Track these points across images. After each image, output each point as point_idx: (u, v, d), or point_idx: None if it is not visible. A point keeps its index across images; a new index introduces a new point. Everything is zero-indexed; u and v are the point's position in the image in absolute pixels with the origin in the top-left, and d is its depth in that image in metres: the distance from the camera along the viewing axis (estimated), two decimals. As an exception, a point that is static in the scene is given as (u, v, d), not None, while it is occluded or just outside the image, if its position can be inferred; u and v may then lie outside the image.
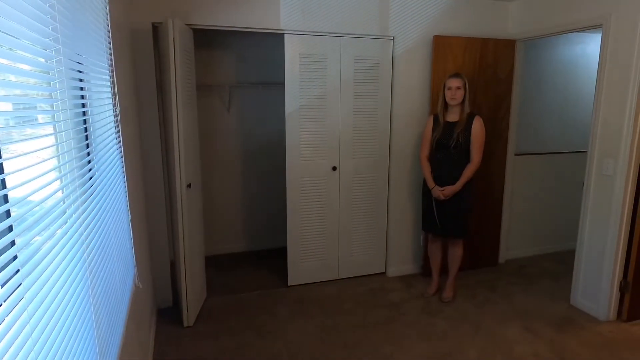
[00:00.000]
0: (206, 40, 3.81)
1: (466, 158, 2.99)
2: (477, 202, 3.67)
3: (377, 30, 3.26)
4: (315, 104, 3.29)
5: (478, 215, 3.71)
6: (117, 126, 1.86)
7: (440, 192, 3.00)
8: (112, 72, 1.78)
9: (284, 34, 3.08)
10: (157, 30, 2.83)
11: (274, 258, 4.14)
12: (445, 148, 2.98)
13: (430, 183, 3.07)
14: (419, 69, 3.42)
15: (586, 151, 3.03)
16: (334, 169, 3.33)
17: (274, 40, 3.98)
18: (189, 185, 2.76)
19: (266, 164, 4.25)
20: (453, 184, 2.99)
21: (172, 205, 2.86)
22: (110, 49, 1.75)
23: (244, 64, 4.02)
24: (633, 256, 2.85)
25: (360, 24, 3.23)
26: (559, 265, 3.93)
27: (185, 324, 2.86)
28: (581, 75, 4.34)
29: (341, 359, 2.55)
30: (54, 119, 1.06)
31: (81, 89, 1.34)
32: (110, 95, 1.74)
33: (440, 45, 3.34)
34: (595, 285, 3.02)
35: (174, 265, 3.17)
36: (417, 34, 3.36)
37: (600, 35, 2.89)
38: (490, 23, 3.56)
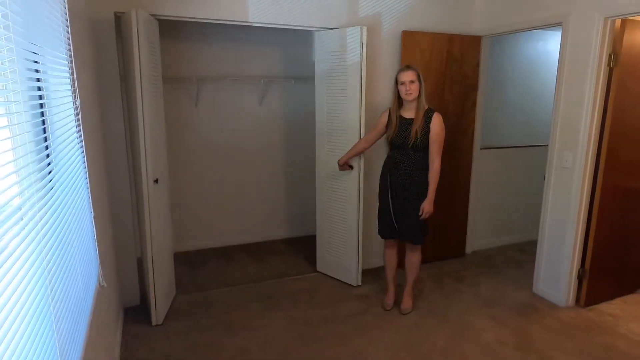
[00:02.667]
0: (173, 31, 3.71)
1: (426, 157, 2.75)
2: (444, 194, 3.76)
3: (346, 24, 3.26)
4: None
5: (445, 208, 3.79)
6: (78, 119, 1.78)
7: (344, 165, 3.06)
8: (71, 63, 1.70)
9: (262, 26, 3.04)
10: (119, 20, 2.73)
11: (244, 254, 4.11)
12: (402, 148, 2.76)
13: (342, 159, 3.05)
14: (391, 63, 3.45)
15: (547, 145, 3.15)
16: (351, 167, 3.26)
17: (245, 32, 3.94)
18: (156, 181, 2.69)
19: (236, 159, 4.20)
20: (411, 185, 2.77)
21: (139, 201, 2.78)
22: (68, 38, 1.67)
23: (213, 57, 3.94)
24: (590, 245, 2.99)
25: (331, 18, 3.22)
26: (522, 254, 4.09)
27: (153, 323, 2.79)
28: (543, 72, 4.49)
29: (312, 351, 2.57)
30: (8, 110, 1.00)
31: (38, 80, 1.28)
32: (69, 87, 1.67)
33: (409, 40, 3.38)
34: (556, 273, 3.15)
35: (141, 263, 3.10)
36: (386, 29, 3.38)
37: (560, 33, 3.00)
38: (457, 19, 3.62)
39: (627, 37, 2.71)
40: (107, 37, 2.73)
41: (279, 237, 4.53)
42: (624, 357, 2.54)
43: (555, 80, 3.07)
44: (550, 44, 4.46)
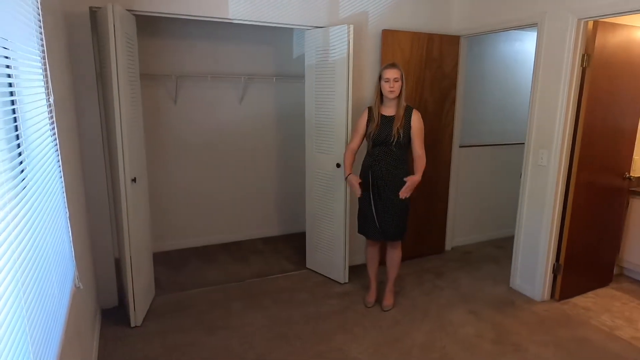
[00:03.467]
0: (151, 27, 3.65)
1: (405, 154, 2.82)
2: (425, 192, 3.81)
3: (327, 23, 3.26)
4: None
5: (425, 206, 3.85)
6: (52, 117, 1.73)
7: (356, 183, 2.83)
8: (44, 58, 1.65)
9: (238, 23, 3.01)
10: (95, 16, 2.67)
11: (226, 253, 4.08)
12: (384, 145, 2.78)
13: (346, 171, 2.89)
14: (371, 62, 3.46)
15: (524, 143, 3.22)
16: (338, 165, 3.25)
17: (226, 30, 3.90)
18: (133, 180, 2.64)
19: (217, 158, 4.16)
20: (393, 182, 2.79)
21: (116, 200, 2.73)
22: (41, 33, 1.62)
23: (193, 54, 3.89)
24: (564, 240, 3.08)
25: (313, 16, 3.21)
26: (499, 250, 4.18)
27: (132, 324, 2.75)
28: (520, 71, 4.59)
29: (294, 350, 2.57)
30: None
31: (9, 76, 1.24)
32: (42, 83, 1.62)
33: (389, 39, 3.41)
34: (532, 268, 3.23)
35: (119, 263, 3.04)
36: (367, 27, 3.40)
37: (536, 33, 3.06)
38: (436, 19, 3.67)
39: (599, 39, 2.79)
40: (82, 33, 2.66)
41: (263, 235, 4.51)
42: (596, 348, 2.62)
43: (531, 80, 3.14)
44: (526, 44, 4.56)
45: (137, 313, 2.75)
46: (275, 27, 3.20)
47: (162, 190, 4.00)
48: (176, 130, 3.96)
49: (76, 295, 1.89)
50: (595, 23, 2.77)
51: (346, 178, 2.91)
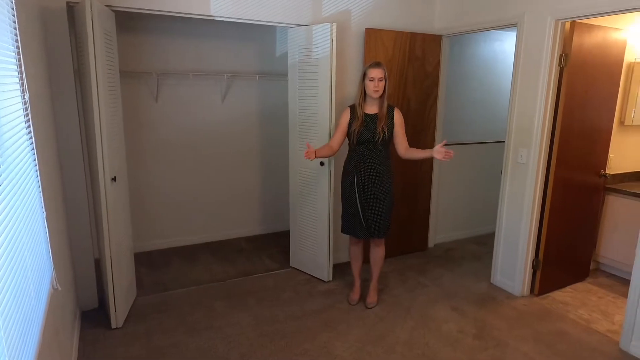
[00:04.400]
0: (131, 23, 3.58)
1: (389, 151, 2.86)
2: (407, 190, 3.85)
3: (310, 21, 3.25)
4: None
5: (409, 203, 3.88)
6: (27, 114, 1.69)
7: (312, 154, 2.66)
8: (19, 54, 1.61)
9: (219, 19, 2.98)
10: (73, 11, 2.60)
11: (209, 253, 4.04)
12: (369, 143, 2.79)
13: (312, 154, 2.67)
14: (355, 60, 3.47)
15: (504, 141, 3.27)
16: (322, 164, 3.23)
17: (208, 27, 3.85)
18: (113, 179, 2.59)
19: (200, 156, 4.12)
20: (379, 180, 2.81)
21: (96, 200, 2.67)
22: (15, 29, 1.58)
23: (175, 51, 3.84)
24: (543, 236, 3.14)
25: (296, 14, 3.20)
26: (481, 247, 4.24)
27: (113, 326, 2.70)
28: (500, 71, 4.67)
29: (278, 348, 2.56)
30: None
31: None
32: (17, 80, 1.57)
33: (372, 37, 3.42)
34: (512, 264, 3.29)
35: (99, 264, 2.98)
36: (350, 26, 3.41)
37: (515, 33, 3.12)
38: (419, 18, 3.70)
39: (576, 39, 2.85)
40: (59, 29, 2.59)
41: (246, 234, 4.48)
42: (574, 341, 2.69)
43: (511, 80, 3.19)
44: (506, 44, 4.64)
45: (118, 314, 2.70)
46: (258, 24, 3.18)
47: (143, 190, 3.94)
48: (158, 128, 3.90)
49: (54, 297, 1.85)
50: (572, 24, 2.84)
51: (307, 155, 2.69)
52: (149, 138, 3.89)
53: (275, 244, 4.24)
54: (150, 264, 3.74)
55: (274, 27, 4.10)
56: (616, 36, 3.11)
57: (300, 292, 3.27)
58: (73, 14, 2.61)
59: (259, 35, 4.14)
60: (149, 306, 3.01)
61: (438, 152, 2.67)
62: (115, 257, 2.63)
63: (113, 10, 2.67)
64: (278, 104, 4.25)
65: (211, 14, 2.94)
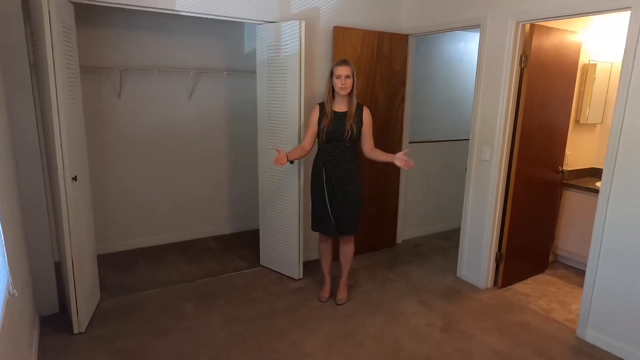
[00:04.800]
0: (91, 16, 3.45)
1: (357, 149, 2.89)
2: (376, 187, 3.90)
3: (279, 17, 3.23)
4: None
5: (378, 200, 3.93)
6: (-22, 111, 1.60)
7: (282, 154, 2.67)
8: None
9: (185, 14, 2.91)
10: (27, 3, 2.48)
11: (177, 253, 3.96)
12: (338, 140, 2.81)
13: (283, 159, 2.68)
14: (323, 58, 3.48)
15: (469, 139, 3.37)
16: (291, 162, 3.18)
17: (175, 22, 3.76)
18: (74, 178, 2.49)
19: (166, 154, 4.02)
20: (348, 177, 2.85)
21: (55, 200, 2.56)
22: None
23: (139, 46, 3.72)
24: (506, 231, 3.26)
25: (264, 10, 3.17)
26: (447, 242, 4.36)
27: (75, 331, 2.60)
28: (465, 70, 4.79)
29: (249, 348, 2.54)
30: None
31: None
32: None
33: (340, 35, 3.44)
34: (477, 258, 3.40)
35: (59, 267, 2.86)
36: (318, 23, 3.41)
37: (479, 34, 3.21)
38: (386, 17, 3.74)
39: (535, 41, 2.97)
40: (12, 21, 2.46)
41: (215, 233, 4.42)
42: (535, 329, 2.81)
43: (475, 79, 3.29)
44: (470, 45, 4.77)
45: (80, 318, 2.61)
46: (225, 20, 3.13)
47: (108, 189, 3.81)
48: (122, 126, 3.78)
49: (10, 303, 1.76)
50: (532, 26, 2.95)
51: (279, 152, 2.70)
52: (113, 135, 3.76)
53: (244, 243, 4.20)
54: (116, 265, 3.63)
55: (242, 23, 4.04)
56: (572, 39, 3.26)
57: (271, 290, 3.25)
58: (28, 6, 2.49)
59: (226, 31, 4.08)
60: (113, 309, 2.92)
61: (399, 159, 2.73)
62: (76, 259, 2.53)
63: (72, 2, 2.56)
64: (247, 101, 4.20)
65: (177, 9, 2.87)
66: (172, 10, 2.85)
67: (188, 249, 4.05)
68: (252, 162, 3.95)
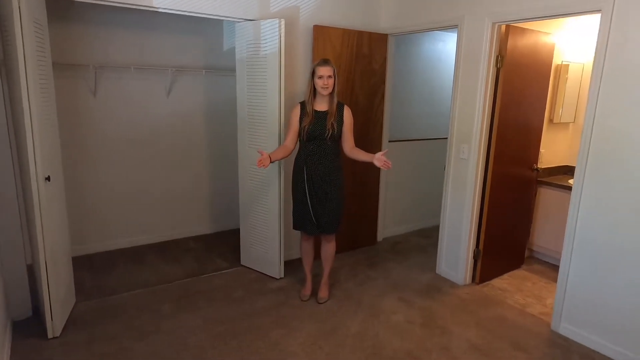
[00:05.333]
0: (66, 12, 3.36)
1: (338, 147, 2.90)
2: (357, 186, 3.92)
3: (258, 16, 3.21)
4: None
5: (358, 199, 3.95)
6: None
7: (264, 155, 2.65)
8: None
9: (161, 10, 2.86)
10: (-4, -4, 2.39)
11: (156, 254, 3.90)
12: (319, 139, 2.81)
13: (266, 161, 2.66)
14: (303, 56, 3.47)
15: (447, 138, 3.42)
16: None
17: (153, 19, 3.69)
18: (47, 178, 2.42)
19: (144, 153, 3.95)
20: (329, 176, 2.85)
21: (27, 201, 2.49)
22: None
23: (115, 43, 3.64)
24: (483, 227, 3.33)
25: (244, 8, 3.14)
26: (426, 239, 4.42)
27: (49, 335, 2.53)
28: (443, 70, 4.86)
29: (230, 349, 2.52)
30: None
31: None
32: None
33: (320, 34, 3.44)
34: (455, 255, 3.46)
35: (32, 270, 2.78)
36: (298, 22, 3.40)
37: (456, 34, 3.26)
38: (366, 17, 3.76)
39: (510, 41, 3.03)
40: (-20, 15, 2.38)
41: (195, 233, 4.37)
42: (511, 324, 2.88)
43: (453, 79, 3.34)
44: (448, 45, 4.83)
45: (54, 322, 2.54)
46: (204, 17, 3.09)
47: (84, 190, 3.72)
48: (98, 124, 3.69)
49: (-19, 308, 1.70)
50: (507, 27, 3.01)
51: (261, 154, 2.68)
52: (89, 134, 3.67)
53: (225, 243, 4.17)
54: (92, 267, 3.55)
55: (221, 21, 4.01)
56: (546, 39, 3.35)
57: (252, 290, 3.24)
58: (-3, 0, 2.40)
59: (205, 28, 4.03)
60: (90, 312, 2.85)
61: (378, 159, 2.73)
62: (50, 261, 2.46)
63: (43, -3, 2.48)
64: (226, 99, 4.16)
65: (154, 6, 2.81)
66: (149, 7, 2.80)
67: (167, 250, 3.99)
68: (232, 161, 3.93)
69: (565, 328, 2.76)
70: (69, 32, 3.43)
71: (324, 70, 2.73)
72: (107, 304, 2.97)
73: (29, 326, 2.66)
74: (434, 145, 4.56)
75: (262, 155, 2.68)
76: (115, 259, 3.73)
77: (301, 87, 3.42)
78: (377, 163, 2.74)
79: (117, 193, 3.89)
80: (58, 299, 2.56)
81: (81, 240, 3.73)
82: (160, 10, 2.85)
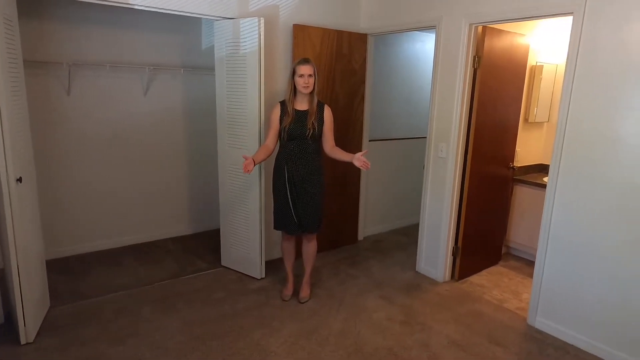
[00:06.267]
0: (38, 8, 3.26)
1: (319, 146, 2.90)
2: (337, 185, 3.93)
3: (237, 14, 3.19)
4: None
5: (339, 198, 3.97)
6: None
7: (248, 160, 2.61)
8: None
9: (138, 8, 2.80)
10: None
11: (134, 256, 3.82)
12: (300, 138, 2.81)
13: (251, 165, 2.61)
14: (283, 55, 3.46)
15: (426, 137, 3.46)
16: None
17: (128, 16, 3.62)
18: (19, 179, 2.34)
19: (119, 154, 3.86)
20: (310, 175, 2.85)
21: (-2, 203, 2.40)
22: None
23: (90, 40, 3.55)
24: (462, 225, 3.38)
25: (223, 6, 3.11)
26: (406, 238, 4.47)
27: (23, 341, 2.45)
28: (422, 70, 4.92)
29: (210, 350, 2.50)
30: None
31: None
32: None
33: (300, 33, 3.43)
34: (435, 252, 3.51)
35: (4, 275, 2.69)
36: (278, 21, 3.39)
37: (435, 35, 3.30)
38: (345, 17, 3.77)
39: (487, 42, 3.09)
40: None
41: (174, 235, 4.30)
42: (489, 319, 2.94)
43: (431, 79, 3.38)
44: (427, 45, 4.90)
45: (28, 328, 2.46)
46: (182, 15, 3.04)
47: (58, 191, 3.62)
48: (72, 124, 3.59)
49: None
50: (484, 28, 3.07)
51: (245, 159, 2.65)
52: (63, 134, 3.57)
53: (205, 244, 4.12)
54: (67, 271, 3.45)
55: (200, 19, 3.95)
56: (521, 41, 3.42)
57: (232, 291, 3.21)
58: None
59: (183, 26, 3.97)
60: (65, 317, 2.78)
61: (358, 159, 2.72)
62: (22, 265, 2.39)
63: (14, -7, 2.40)
64: (205, 98, 4.11)
65: (130, 3, 2.76)
66: (126, 4, 2.74)
67: (146, 252, 3.92)
68: (211, 160, 3.88)
69: (541, 322, 2.83)
70: (42, 28, 3.33)
71: (305, 69, 2.73)
72: (83, 308, 2.90)
73: (1, 332, 2.57)
74: (414, 144, 4.61)
75: (246, 159, 2.65)
76: (91, 262, 3.64)
77: (281, 86, 3.41)
78: (356, 163, 2.74)
79: (93, 194, 3.80)
80: (31, 303, 2.49)
81: (55, 243, 3.62)
82: (136, 7, 2.79)
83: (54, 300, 2.93)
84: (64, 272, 3.42)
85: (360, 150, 4.03)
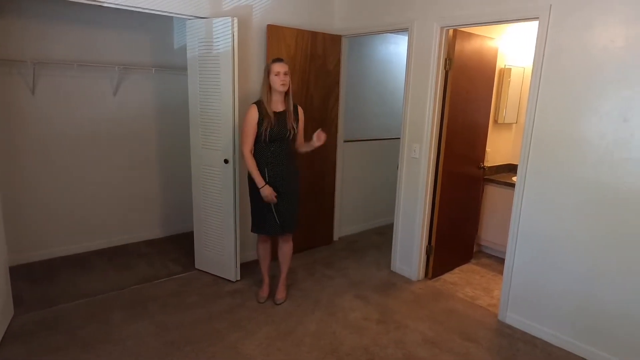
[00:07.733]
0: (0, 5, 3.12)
1: (294, 147, 2.94)
2: (313, 185, 3.94)
3: (209, 13, 3.15)
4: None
5: (314, 199, 3.97)
6: None
7: (272, 194, 2.77)
8: None
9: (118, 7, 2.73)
10: None
11: (104, 260, 3.71)
12: (281, 140, 2.80)
13: (261, 181, 2.76)
14: (257, 56, 3.44)
15: (400, 137, 3.51)
16: (226, 161, 3.12)
17: (97, 14, 3.51)
18: (-20, 183, 2.24)
19: (88, 155, 3.75)
20: (290, 175, 2.88)
21: (-43, 208, 2.29)
22: None
23: (56, 39, 3.43)
24: (435, 224, 3.45)
25: (195, 5, 3.07)
26: (381, 237, 4.51)
27: (-15, 351, 2.35)
28: (396, 71, 4.98)
29: (184, 355, 2.45)
30: None
31: None
32: None
33: (274, 34, 3.42)
34: (409, 251, 3.56)
35: (-36, 283, 2.57)
36: (252, 21, 3.37)
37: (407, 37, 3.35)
38: (319, 18, 3.79)
39: (457, 45, 3.16)
40: None
41: (146, 238, 4.20)
42: (462, 316, 3.00)
43: (404, 80, 3.43)
44: (400, 47, 4.96)
45: (-9, 338, 2.36)
46: (153, 14, 2.98)
47: (21, 195, 3.47)
48: (37, 125, 3.46)
49: None
50: (455, 31, 3.14)
51: (261, 188, 2.77)
52: (28, 136, 3.43)
53: (178, 247, 4.05)
54: (32, 277, 3.32)
55: (172, 17, 3.88)
56: (490, 44, 3.52)
57: (207, 294, 3.17)
58: None
59: (155, 25, 3.89)
60: (31, 324, 2.67)
61: (317, 139, 2.82)
62: (-15, 272, 2.29)
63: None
64: (178, 98, 4.04)
65: (99, 0, 2.68)
66: (94, 1, 2.66)
67: (117, 256, 3.81)
68: (184, 162, 3.82)
69: (511, 318, 2.91)
70: (4, 25, 3.20)
71: (280, 67, 2.73)
72: (50, 315, 2.80)
73: (-39, 343, 2.46)
74: (388, 145, 4.67)
75: (267, 190, 2.78)
76: (57, 267, 3.52)
77: (255, 86, 3.38)
78: (317, 144, 2.83)
79: (60, 197, 3.67)
80: (-6, 312, 2.38)
81: (19, 248, 3.48)
82: (105, 5, 2.72)
83: (18, 308, 2.82)
84: (28, 278, 3.30)
85: (335, 151, 4.07)
